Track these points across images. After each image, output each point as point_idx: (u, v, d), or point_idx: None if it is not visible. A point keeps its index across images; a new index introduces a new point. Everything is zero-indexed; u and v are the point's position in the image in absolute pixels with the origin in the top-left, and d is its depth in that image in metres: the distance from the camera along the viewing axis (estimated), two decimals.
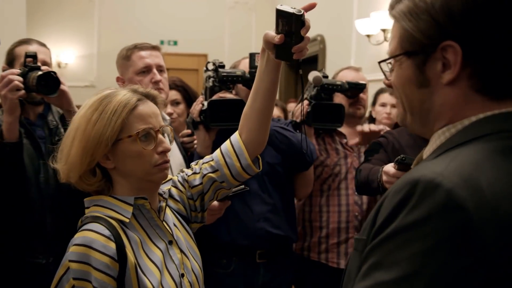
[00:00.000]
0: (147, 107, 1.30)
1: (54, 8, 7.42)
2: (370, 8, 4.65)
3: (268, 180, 2.19)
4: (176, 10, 7.82)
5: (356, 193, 2.34)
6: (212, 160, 1.44)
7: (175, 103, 2.64)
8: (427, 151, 0.86)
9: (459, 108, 0.81)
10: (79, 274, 1.15)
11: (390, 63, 0.91)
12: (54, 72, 1.84)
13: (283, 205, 2.22)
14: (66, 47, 7.52)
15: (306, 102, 2.35)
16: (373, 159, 2.08)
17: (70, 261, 1.16)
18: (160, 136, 1.29)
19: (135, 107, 1.27)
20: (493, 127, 0.77)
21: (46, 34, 6.59)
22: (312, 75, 2.28)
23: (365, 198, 2.42)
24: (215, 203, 1.87)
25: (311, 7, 1.25)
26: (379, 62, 0.94)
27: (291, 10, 1.19)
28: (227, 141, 1.44)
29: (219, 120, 2.04)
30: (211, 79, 2.14)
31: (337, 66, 2.84)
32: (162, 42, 7.38)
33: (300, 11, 1.19)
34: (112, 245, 1.18)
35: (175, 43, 7.91)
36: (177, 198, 1.44)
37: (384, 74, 0.94)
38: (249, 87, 1.55)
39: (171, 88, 2.45)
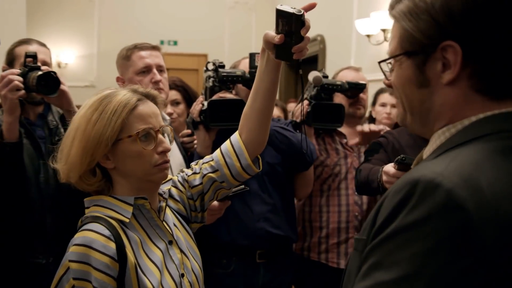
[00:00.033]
0: (147, 107, 1.30)
1: (54, 8, 7.41)
2: (370, 8, 4.65)
3: (268, 180, 2.19)
4: (176, 10, 7.82)
5: (356, 193, 2.34)
6: (212, 160, 1.44)
7: (175, 103, 2.64)
8: (427, 151, 0.86)
9: (459, 108, 0.81)
10: (79, 274, 1.15)
11: (390, 63, 0.91)
12: (54, 72, 1.84)
13: (283, 205, 2.22)
14: (66, 47, 7.52)
15: (306, 102, 2.35)
16: (373, 159, 2.08)
17: (70, 261, 1.16)
18: (160, 136, 1.29)
19: (135, 107, 1.27)
20: (493, 127, 0.77)
21: (46, 34, 6.59)
22: (312, 75, 2.27)
23: (365, 198, 2.42)
24: (215, 203, 1.87)
25: (311, 7, 1.25)
26: (379, 62, 0.94)
27: (291, 10, 1.19)
28: (227, 141, 1.44)
29: (219, 120, 2.04)
30: (211, 79, 2.14)
31: (337, 66, 2.84)
32: (162, 42, 7.38)
33: (300, 11, 1.19)
34: (112, 245, 1.18)
35: (175, 43, 7.91)
36: (177, 198, 1.44)
37: (384, 74, 0.94)
38: (249, 87, 1.55)
39: (171, 88, 2.45)
